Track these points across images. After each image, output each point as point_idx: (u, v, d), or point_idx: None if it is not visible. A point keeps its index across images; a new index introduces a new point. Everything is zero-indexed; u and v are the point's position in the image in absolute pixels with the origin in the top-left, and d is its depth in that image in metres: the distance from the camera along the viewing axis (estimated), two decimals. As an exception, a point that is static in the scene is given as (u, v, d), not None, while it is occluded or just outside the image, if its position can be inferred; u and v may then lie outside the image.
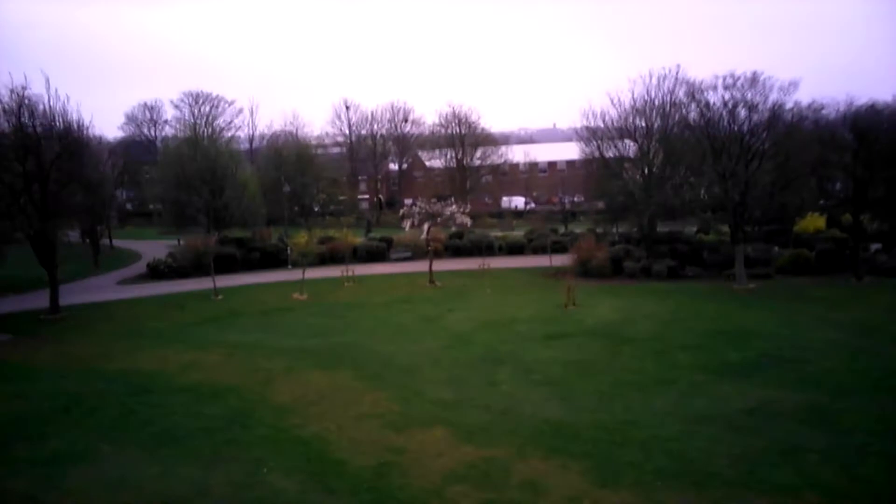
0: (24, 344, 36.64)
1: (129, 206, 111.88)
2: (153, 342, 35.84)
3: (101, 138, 67.98)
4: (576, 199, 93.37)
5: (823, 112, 51.27)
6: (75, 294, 48.69)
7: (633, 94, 58.79)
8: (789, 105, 48.52)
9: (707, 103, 48.64)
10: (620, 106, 59.80)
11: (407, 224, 52.54)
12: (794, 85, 47.56)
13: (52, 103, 41.33)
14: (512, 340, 34.75)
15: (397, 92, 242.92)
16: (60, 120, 41.48)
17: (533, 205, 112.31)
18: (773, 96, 47.18)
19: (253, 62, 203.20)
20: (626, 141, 59.12)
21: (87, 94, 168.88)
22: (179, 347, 34.46)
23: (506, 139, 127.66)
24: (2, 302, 47.69)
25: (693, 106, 50.82)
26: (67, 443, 22.68)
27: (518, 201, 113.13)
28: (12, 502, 18.57)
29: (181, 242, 61.50)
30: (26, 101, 39.93)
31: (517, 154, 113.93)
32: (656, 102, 57.76)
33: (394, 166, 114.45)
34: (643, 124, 58.73)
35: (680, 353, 31.53)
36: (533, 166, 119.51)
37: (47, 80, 41.29)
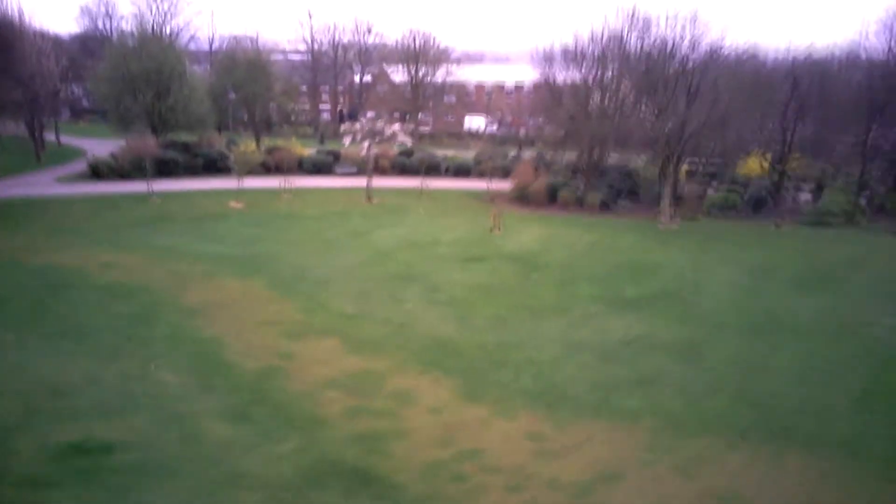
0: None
1: (84, 101, 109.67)
2: (80, 240, 36.50)
3: (45, 32, 66.17)
4: (545, 125, 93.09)
5: (765, 56, 52.27)
6: (11, 188, 48.65)
7: (591, 24, 59.23)
8: (727, 46, 49.51)
9: (649, 36, 49.31)
10: (577, 36, 60.16)
11: (347, 140, 52.83)
12: (730, 27, 48.57)
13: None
14: (430, 260, 36.01)
15: (359, 8, 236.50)
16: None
17: (495, 127, 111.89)
18: (712, 35, 48.11)
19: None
20: (575, 69, 59.37)
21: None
22: (105, 247, 35.20)
23: (471, 59, 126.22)
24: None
25: (635, 38, 51.43)
26: (-30, 328, 23.70)
27: (479, 122, 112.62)
28: None
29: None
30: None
31: (484, 74, 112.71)
32: (613, 33, 58.15)
33: (357, 78, 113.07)
34: (596, 52, 59.14)
35: (583, 284, 33.05)
36: (499, 87, 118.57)
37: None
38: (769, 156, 56.54)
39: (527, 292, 31.61)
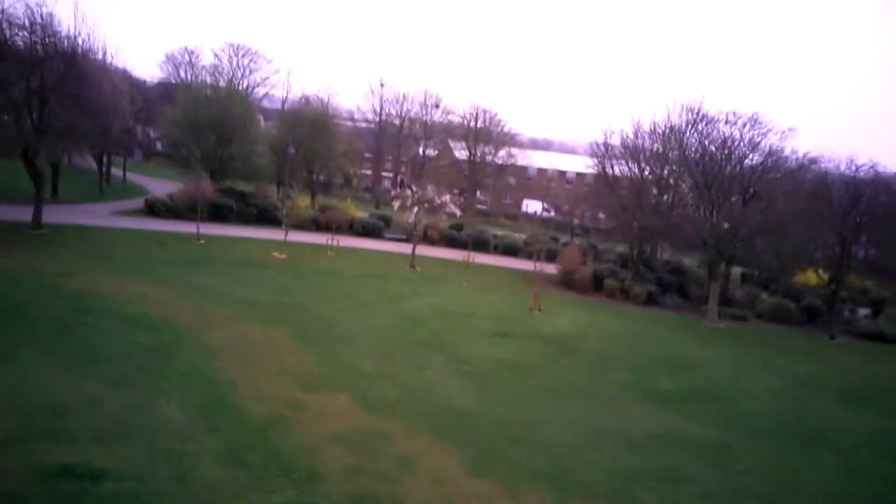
0: (-5, 250, 37.76)
1: (158, 145, 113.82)
2: (118, 271, 36.86)
3: (125, 70, 69.29)
4: (600, 215, 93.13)
5: (822, 165, 51.31)
6: (66, 215, 49.83)
7: (654, 118, 59.34)
8: (787, 151, 48.87)
9: (707, 135, 48.90)
10: (637, 128, 60.26)
11: (396, 204, 53.19)
12: (792, 130, 47.91)
13: (76, 27, 42.61)
14: (461, 332, 35.32)
15: (431, 83, 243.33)
16: (73, 42, 42.51)
17: (552, 213, 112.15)
18: (772, 139, 47.53)
19: (297, 31, 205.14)
20: (632, 162, 59.27)
21: (131, 32, 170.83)
22: (140, 280, 35.44)
23: (538, 145, 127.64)
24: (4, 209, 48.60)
25: (695, 135, 51.09)
26: (-11, 343, 23.74)
27: (536, 206, 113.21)
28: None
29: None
30: (39, 19, 41.01)
31: (547, 161, 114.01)
32: (673, 129, 57.98)
33: (421, 151, 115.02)
34: (656, 148, 58.98)
35: (616, 372, 31.90)
36: (560, 174, 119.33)
37: (76, 6, 42.66)
38: (825, 270, 55.12)
39: (555, 374, 30.59)
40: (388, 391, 25.14)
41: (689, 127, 52.18)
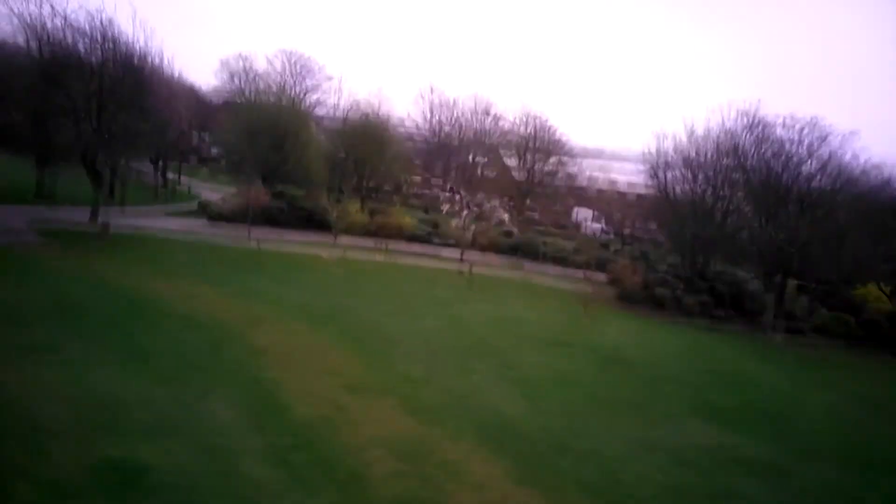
0: (56, 250, 38.54)
1: (213, 150, 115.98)
2: (169, 270, 37.48)
3: (181, 77, 70.71)
4: (651, 224, 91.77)
5: (887, 172, 49.39)
6: (121, 217, 50.72)
7: (708, 124, 57.72)
8: (848, 157, 47.08)
9: (764, 140, 47.47)
10: (691, 133, 58.74)
11: (445, 208, 52.98)
12: (853, 134, 46.15)
13: (133, 33, 43.71)
14: (509, 338, 34.82)
15: (481, 88, 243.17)
16: (131, 48, 43.60)
17: (602, 222, 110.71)
18: (831, 144, 45.92)
19: (348, 38, 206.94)
20: (685, 169, 57.91)
21: (187, 40, 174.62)
22: (191, 280, 35.92)
23: (589, 153, 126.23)
24: (58, 211, 49.87)
25: (751, 142, 49.62)
26: (48, 336, 24.25)
27: (587, 215, 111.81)
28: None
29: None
30: (99, 26, 42.13)
31: (599, 170, 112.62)
32: (728, 134, 56.37)
33: (471, 159, 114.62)
34: (709, 155, 57.52)
35: (668, 385, 31.04)
36: (611, 183, 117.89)
37: (134, 13, 43.72)
38: (888, 284, 53.03)
39: (605, 384, 29.88)
40: (433, 396, 24.87)
41: (746, 132, 50.65)
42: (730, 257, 57.77)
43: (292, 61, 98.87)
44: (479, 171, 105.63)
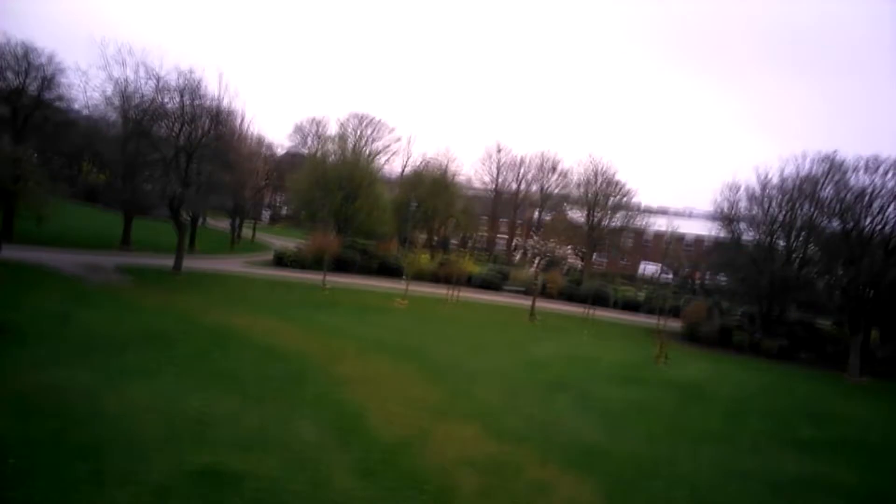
0: (141, 288, 40.22)
1: (283, 210, 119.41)
2: (250, 309, 38.41)
3: (260, 135, 73.72)
4: (720, 277, 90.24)
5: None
6: (202, 262, 52.93)
7: (781, 173, 56.77)
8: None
9: (844, 185, 46.42)
10: (765, 182, 57.92)
11: (518, 256, 53.18)
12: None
13: (219, 93, 46.30)
14: (585, 375, 34.44)
15: (548, 145, 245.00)
16: (218, 104, 46.03)
17: (670, 276, 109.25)
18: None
19: (417, 100, 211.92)
20: (763, 218, 56.91)
21: (264, 104, 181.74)
22: (271, 318, 36.74)
23: (652, 213, 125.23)
24: (141, 256, 52.47)
25: (830, 187, 48.57)
26: (140, 361, 25.02)
27: (654, 269, 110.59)
28: (75, 393, 20.75)
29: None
30: (190, 84, 44.58)
31: (665, 224, 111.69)
32: (803, 186, 55.38)
33: (536, 214, 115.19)
34: (787, 203, 56.49)
35: (752, 419, 30.16)
36: (678, 238, 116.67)
37: (220, 75, 46.19)
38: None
39: (687, 417, 29.21)
40: (516, 423, 24.66)
41: (825, 177, 49.66)
42: (807, 305, 56.20)
43: (363, 124, 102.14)
44: (543, 226, 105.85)
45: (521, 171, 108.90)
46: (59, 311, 30.69)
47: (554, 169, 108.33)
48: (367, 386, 26.64)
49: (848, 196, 47.57)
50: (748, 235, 59.50)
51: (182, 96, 44.19)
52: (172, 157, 44.60)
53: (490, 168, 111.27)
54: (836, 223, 47.55)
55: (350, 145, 78.13)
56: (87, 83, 51.49)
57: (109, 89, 47.28)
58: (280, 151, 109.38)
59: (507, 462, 20.52)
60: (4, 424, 17.60)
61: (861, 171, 46.48)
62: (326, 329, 35.99)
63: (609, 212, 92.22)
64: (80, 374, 22.61)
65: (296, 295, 45.65)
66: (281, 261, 58.71)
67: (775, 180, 57.03)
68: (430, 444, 21.14)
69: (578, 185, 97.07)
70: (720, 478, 21.96)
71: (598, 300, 62.34)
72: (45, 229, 43.91)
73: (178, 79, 44.39)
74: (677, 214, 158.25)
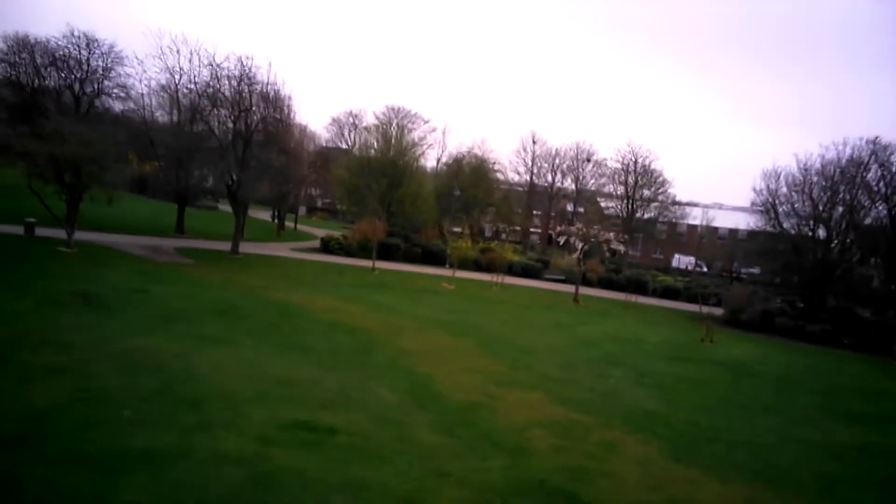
0: (204, 268, 42.03)
1: (318, 202, 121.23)
2: (308, 289, 39.97)
3: (305, 126, 75.42)
4: (754, 270, 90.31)
5: None
6: (255, 248, 54.79)
7: (822, 159, 56.86)
8: None
9: (890, 167, 46.61)
10: (806, 168, 57.99)
11: (562, 240, 54.12)
12: None
13: (269, 79, 47.76)
14: (635, 353, 35.32)
15: (583, 135, 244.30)
16: (272, 90, 47.51)
17: (705, 268, 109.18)
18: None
19: (454, 92, 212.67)
20: (799, 204, 57.12)
21: (303, 96, 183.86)
22: (329, 296, 38.16)
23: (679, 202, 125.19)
24: (196, 241, 54.61)
25: (875, 168, 48.72)
26: (218, 330, 26.47)
27: (688, 261, 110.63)
28: (167, 355, 22.16)
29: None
30: (247, 70, 46.12)
31: (699, 218, 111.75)
32: (847, 170, 55.43)
33: (570, 207, 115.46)
34: (824, 193, 56.60)
35: (802, 394, 30.85)
36: (711, 231, 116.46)
37: (270, 64, 47.64)
38: None
39: (739, 392, 29.97)
40: (576, 393, 25.66)
41: (870, 157, 49.75)
42: (845, 294, 56.27)
43: (399, 116, 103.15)
44: (583, 213, 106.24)
45: (556, 161, 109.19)
46: (136, 286, 32.30)
47: (588, 160, 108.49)
48: (431, 357, 27.81)
49: (894, 178, 47.71)
50: (788, 223, 59.71)
51: (240, 82, 45.69)
52: (229, 142, 46.10)
53: (525, 159, 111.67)
54: (880, 207, 47.73)
55: (392, 134, 79.30)
56: (143, 73, 53.26)
57: (165, 78, 49.01)
58: (317, 143, 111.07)
59: (574, 425, 21.54)
60: (115, 382, 18.99)
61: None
62: (383, 307, 37.26)
63: (645, 202, 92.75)
64: (168, 340, 24.07)
65: (347, 277, 47.06)
66: (327, 247, 60.30)
67: (817, 166, 57.16)
68: (500, 409, 22.22)
69: (614, 175, 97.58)
70: (777, 442, 22.79)
71: (638, 287, 63.03)
72: (105, 215, 45.73)
73: (236, 65, 45.98)
74: (707, 208, 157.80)
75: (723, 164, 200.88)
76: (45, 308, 26.20)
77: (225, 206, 74.13)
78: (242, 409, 18.60)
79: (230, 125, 46.17)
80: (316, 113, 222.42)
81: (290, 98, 50.50)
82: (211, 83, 46.27)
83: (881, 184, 49.13)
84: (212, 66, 46.19)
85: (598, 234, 52.75)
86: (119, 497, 12.68)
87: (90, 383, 18.56)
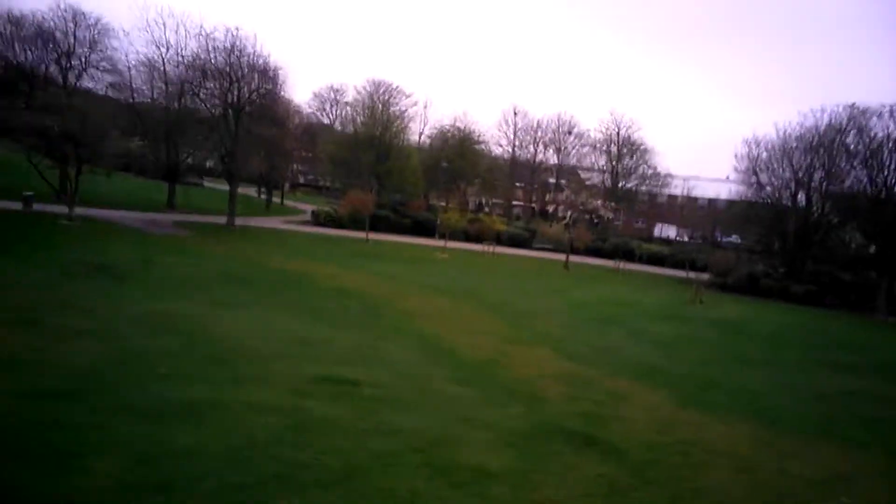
0: (203, 239, 42.62)
1: (301, 178, 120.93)
2: (307, 258, 40.68)
3: (290, 100, 75.45)
4: (733, 238, 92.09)
5: None
6: (248, 221, 55.27)
7: (801, 126, 57.97)
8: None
9: (868, 132, 47.83)
10: (785, 136, 59.08)
11: (551, 209, 55.01)
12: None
13: (255, 51, 47.69)
14: (630, 314, 36.40)
15: (565, 107, 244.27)
16: (263, 61, 47.57)
17: (686, 238, 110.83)
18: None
19: (434, 65, 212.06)
20: (783, 170, 58.34)
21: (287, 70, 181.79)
22: (328, 265, 38.90)
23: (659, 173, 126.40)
24: (189, 215, 55.05)
25: (854, 132, 49.93)
26: (228, 296, 27.01)
27: (670, 231, 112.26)
28: (185, 318, 22.70)
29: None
30: (238, 42, 46.16)
31: (679, 188, 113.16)
32: (826, 134, 56.54)
33: (552, 180, 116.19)
34: (805, 156, 57.76)
35: (791, 349, 32.14)
36: (691, 200, 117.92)
37: (255, 36, 47.64)
38: None
39: (732, 347, 31.21)
40: (580, 349, 26.62)
41: (848, 122, 50.95)
42: (824, 257, 57.68)
43: (380, 90, 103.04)
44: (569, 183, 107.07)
45: (538, 134, 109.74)
46: (142, 256, 32.71)
47: (570, 132, 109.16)
48: (437, 319, 28.59)
49: (873, 142, 48.92)
50: (770, 187, 60.98)
51: (230, 54, 45.73)
52: (221, 114, 46.22)
53: (507, 132, 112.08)
54: (859, 170, 49.04)
55: (378, 108, 79.41)
56: (129, 45, 53.00)
57: (151, 51, 48.84)
58: (303, 118, 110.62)
59: (582, 376, 22.46)
60: (141, 343, 19.52)
61: (887, 117, 47.73)
62: (382, 274, 37.96)
63: (627, 171, 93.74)
64: (183, 304, 24.60)
65: (343, 248, 47.70)
66: (318, 220, 60.84)
67: (797, 133, 58.34)
68: (511, 363, 23.05)
69: (597, 145, 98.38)
70: (772, 389, 23.95)
71: (625, 254, 64.19)
72: (98, 191, 45.80)
73: (226, 36, 46.00)
74: (687, 179, 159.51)
75: (704, 139, 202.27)
76: (59, 277, 26.62)
77: (210, 183, 74.40)
78: (268, 365, 19.21)
79: (221, 98, 46.21)
80: (296, 87, 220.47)
81: (279, 69, 50.63)
82: (200, 54, 46.31)
83: (860, 146, 50.36)
84: (200, 36, 46.24)
85: (585, 201, 53.63)
86: (175, 441, 13.33)
87: (120, 344, 19.07)
